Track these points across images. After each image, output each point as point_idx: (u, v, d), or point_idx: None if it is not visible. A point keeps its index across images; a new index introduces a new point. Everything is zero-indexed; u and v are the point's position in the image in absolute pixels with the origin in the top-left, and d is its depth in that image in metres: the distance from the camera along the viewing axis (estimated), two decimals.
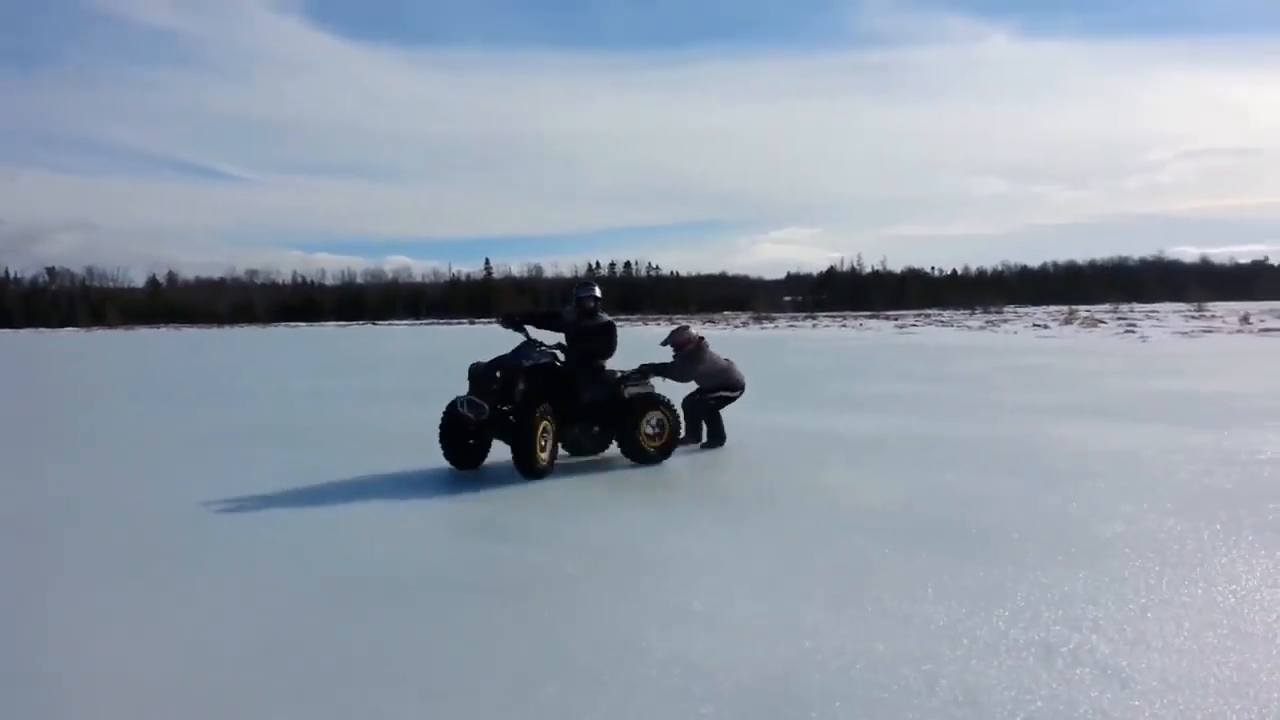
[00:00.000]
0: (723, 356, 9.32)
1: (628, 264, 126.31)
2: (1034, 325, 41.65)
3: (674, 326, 9.40)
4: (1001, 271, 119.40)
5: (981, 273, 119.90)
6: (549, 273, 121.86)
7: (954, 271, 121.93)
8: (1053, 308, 69.03)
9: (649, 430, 8.08)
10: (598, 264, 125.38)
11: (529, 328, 8.36)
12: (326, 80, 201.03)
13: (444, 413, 7.88)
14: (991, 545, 5.30)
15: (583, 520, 6.24)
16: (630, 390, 8.24)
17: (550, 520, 6.28)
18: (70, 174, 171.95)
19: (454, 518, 6.59)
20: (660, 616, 4.23)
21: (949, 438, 9.32)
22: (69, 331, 73.93)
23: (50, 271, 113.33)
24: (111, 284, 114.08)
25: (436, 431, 7.89)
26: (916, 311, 71.16)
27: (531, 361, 7.92)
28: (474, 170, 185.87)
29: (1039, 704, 3.25)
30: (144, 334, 63.94)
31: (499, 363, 7.88)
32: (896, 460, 8.16)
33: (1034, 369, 18.28)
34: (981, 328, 40.82)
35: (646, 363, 8.88)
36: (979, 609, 4.23)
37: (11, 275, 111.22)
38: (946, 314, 65.08)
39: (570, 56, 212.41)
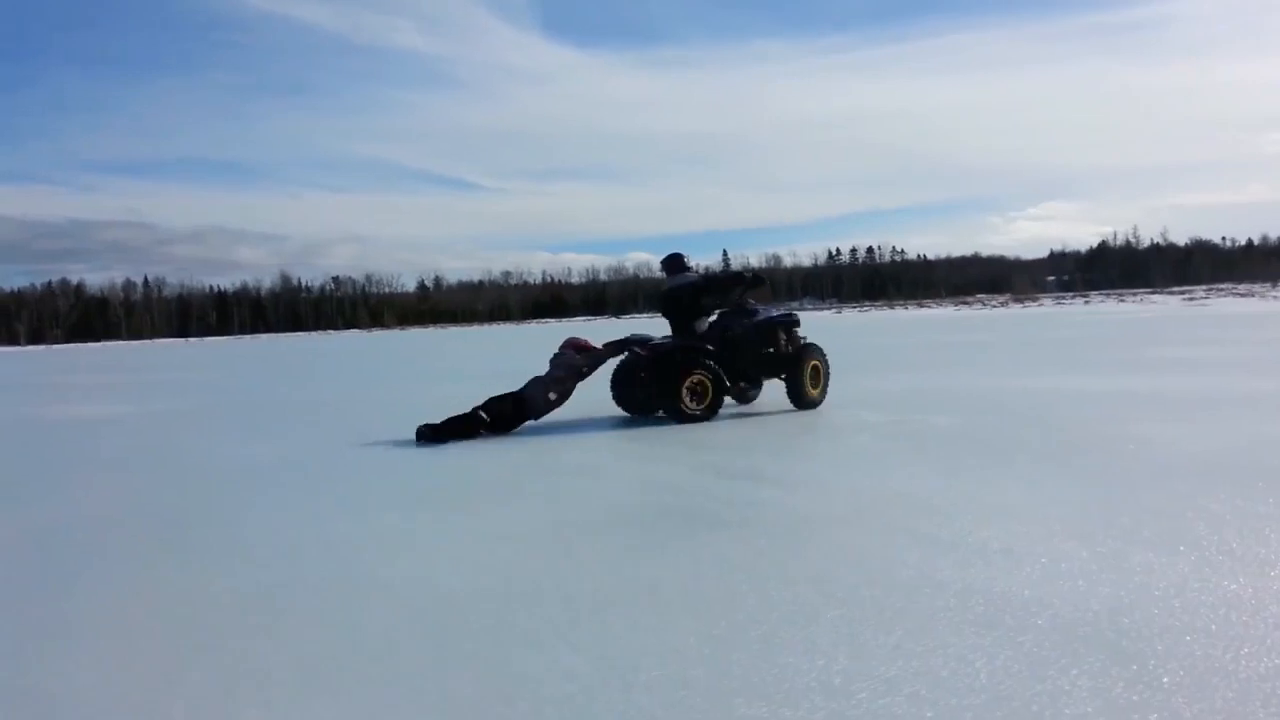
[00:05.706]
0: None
1: (870, 249, 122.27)
2: None
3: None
4: None
5: None
6: (787, 262, 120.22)
7: (1249, 241, 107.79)
8: None
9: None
10: (838, 250, 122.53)
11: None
12: (564, 89, 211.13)
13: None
14: None
15: (843, 469, 5.87)
16: None
17: (810, 468, 5.96)
18: (341, 192, 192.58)
19: (707, 464, 6.40)
20: (952, 554, 3.79)
21: (1276, 393, 8.00)
22: (353, 333, 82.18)
23: (335, 280, 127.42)
24: (387, 290, 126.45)
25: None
26: (1206, 286, 63.29)
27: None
28: (707, 165, 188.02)
29: None
30: (415, 332, 69.79)
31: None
32: (1214, 414, 7.07)
33: None
34: None
35: None
36: None
37: (302, 284, 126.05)
38: (1243, 287, 57.48)
39: (797, 42, 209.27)
